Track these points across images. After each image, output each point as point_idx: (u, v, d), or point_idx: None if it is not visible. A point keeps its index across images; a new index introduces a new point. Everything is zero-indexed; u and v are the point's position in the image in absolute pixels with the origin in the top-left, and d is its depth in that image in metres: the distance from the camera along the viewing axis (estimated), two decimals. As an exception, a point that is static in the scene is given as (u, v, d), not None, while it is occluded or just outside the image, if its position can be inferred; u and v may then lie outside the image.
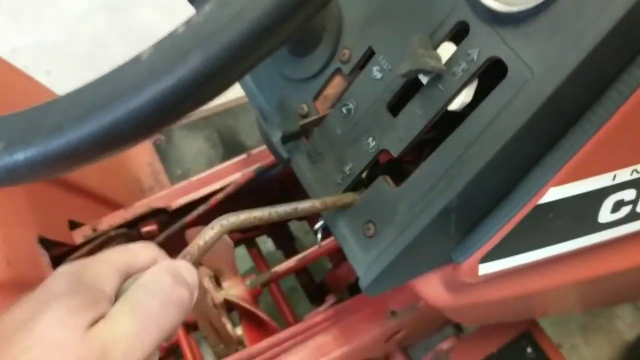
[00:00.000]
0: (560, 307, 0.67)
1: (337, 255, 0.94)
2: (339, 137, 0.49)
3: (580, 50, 0.35)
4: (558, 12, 0.36)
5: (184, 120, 1.14)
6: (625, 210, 0.44)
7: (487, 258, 0.44)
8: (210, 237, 0.37)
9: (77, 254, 0.78)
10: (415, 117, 0.43)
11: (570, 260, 0.47)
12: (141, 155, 1.10)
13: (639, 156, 0.41)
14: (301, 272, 0.95)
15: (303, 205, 0.44)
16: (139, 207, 0.83)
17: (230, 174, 0.85)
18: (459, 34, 0.41)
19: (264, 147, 0.93)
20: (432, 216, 0.42)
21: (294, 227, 1.04)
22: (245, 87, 0.58)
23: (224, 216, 0.39)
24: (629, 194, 0.43)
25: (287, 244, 1.01)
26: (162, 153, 1.09)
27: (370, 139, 0.46)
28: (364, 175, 0.48)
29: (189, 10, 0.38)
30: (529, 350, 0.89)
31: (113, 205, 0.93)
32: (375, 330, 0.74)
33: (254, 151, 0.87)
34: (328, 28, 0.49)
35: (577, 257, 0.47)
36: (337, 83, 0.50)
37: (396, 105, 0.45)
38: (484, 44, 0.39)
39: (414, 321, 0.76)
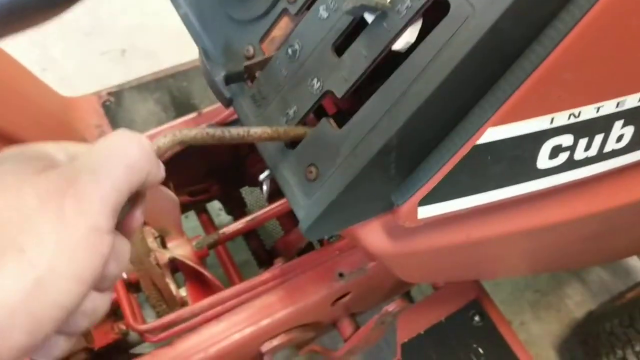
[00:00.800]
0: (505, 266, 0.68)
1: (288, 220, 0.94)
2: (284, 79, 0.48)
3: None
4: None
5: (135, 82, 1.11)
6: (563, 157, 0.45)
7: (426, 200, 0.44)
8: (163, 144, 0.36)
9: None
10: (360, 57, 0.43)
11: (509, 208, 0.47)
12: (88, 116, 1.07)
13: (576, 100, 0.42)
14: (252, 237, 0.94)
15: (255, 130, 0.42)
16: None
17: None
18: (404, -28, 0.41)
19: (215, 106, 0.92)
20: (372, 155, 0.41)
21: (245, 192, 1.03)
22: (189, 27, 0.56)
23: (177, 130, 0.38)
24: (567, 140, 0.44)
25: (238, 210, 0.99)
26: (111, 115, 1.06)
27: (315, 80, 0.46)
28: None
29: None
30: (476, 318, 0.91)
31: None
32: (322, 292, 0.74)
33: (205, 110, 0.86)
34: (275, -34, 0.48)
35: (517, 205, 0.47)
36: (284, 24, 0.49)
37: (342, 46, 0.45)
38: (428, -20, 0.39)
39: (361, 284, 0.76)
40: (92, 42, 1.61)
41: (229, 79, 0.48)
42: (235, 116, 0.85)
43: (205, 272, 0.73)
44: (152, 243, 0.75)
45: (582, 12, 0.37)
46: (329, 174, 0.44)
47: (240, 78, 0.49)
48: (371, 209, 0.47)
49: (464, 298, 0.92)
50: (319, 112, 0.48)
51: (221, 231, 0.80)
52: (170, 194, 0.75)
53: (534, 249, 0.59)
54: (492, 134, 0.41)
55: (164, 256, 0.74)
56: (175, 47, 1.62)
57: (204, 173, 0.96)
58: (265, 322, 0.72)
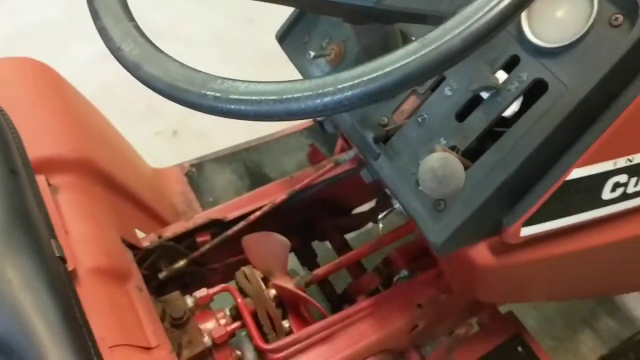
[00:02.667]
0: (576, 283, 0.82)
1: (356, 268, 1.09)
2: (414, 139, 0.66)
3: (599, 72, 0.55)
4: (584, 47, 0.56)
5: (213, 155, 1.28)
6: (620, 191, 0.63)
7: (528, 222, 0.61)
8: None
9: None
10: (478, 121, 0.62)
11: (584, 230, 0.65)
12: (175, 185, 1.23)
13: (631, 150, 0.61)
14: (324, 283, 1.09)
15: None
16: (199, 218, 0.96)
17: (273, 193, 1.00)
18: (509, 64, 0.61)
19: (302, 171, 1.10)
20: (491, 191, 0.59)
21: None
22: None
23: None
24: (624, 178, 0.62)
25: (311, 261, 1.15)
26: (194, 183, 1.23)
27: (442, 139, 0.64)
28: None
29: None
30: (519, 349, 1.06)
31: (163, 222, 1.05)
32: (403, 320, 0.89)
33: (296, 174, 1.03)
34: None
35: (589, 227, 0.65)
36: (412, 101, 0.68)
37: (461, 115, 0.64)
38: (531, 69, 0.59)
39: (435, 313, 0.91)
40: (146, 123, 1.80)
41: (376, 140, 0.66)
42: (320, 179, 1.02)
43: (311, 299, 0.87)
44: (259, 282, 0.90)
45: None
46: (456, 205, 0.62)
47: (384, 139, 0.67)
48: (484, 230, 0.64)
49: (507, 332, 1.07)
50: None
51: (314, 272, 0.95)
52: (282, 238, 0.91)
53: (599, 267, 0.76)
54: (575, 173, 0.59)
55: (271, 292, 0.89)
56: (224, 128, 1.82)
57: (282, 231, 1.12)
58: (359, 345, 0.86)
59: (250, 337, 0.88)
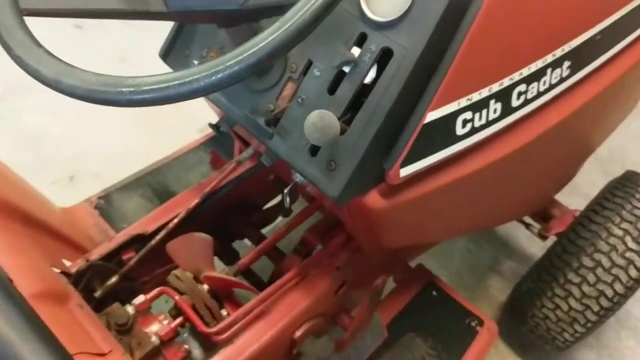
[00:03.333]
0: (463, 217, 0.97)
1: (276, 254, 1.20)
2: (298, 117, 0.78)
3: (427, 32, 0.69)
4: (413, 16, 0.70)
5: (118, 185, 1.33)
6: (469, 126, 0.78)
7: (404, 163, 0.75)
8: None
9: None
10: (346, 91, 0.74)
11: (451, 164, 0.80)
12: (87, 219, 1.27)
13: (468, 90, 0.76)
14: (249, 274, 1.18)
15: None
16: (120, 236, 1.02)
17: (186, 201, 1.08)
18: (360, 41, 0.74)
19: (208, 177, 1.18)
20: (369, 142, 0.72)
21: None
22: (219, 104, 0.85)
23: None
24: (469, 115, 0.77)
25: (234, 260, 1.23)
26: (105, 214, 1.27)
27: (321, 111, 0.76)
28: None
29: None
30: (434, 293, 1.21)
31: (84, 252, 1.10)
32: (327, 283, 1.00)
33: (203, 180, 1.12)
34: (279, 53, 0.79)
35: (455, 160, 0.80)
36: (289, 87, 0.80)
37: (331, 90, 0.76)
38: (377, 41, 0.72)
39: (353, 273, 1.03)
40: (39, 174, 1.80)
41: (267, 123, 0.77)
42: (225, 181, 1.12)
43: (241, 282, 0.96)
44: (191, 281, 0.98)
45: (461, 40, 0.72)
46: (343, 162, 0.74)
47: (271, 123, 0.78)
48: (371, 178, 0.77)
49: (421, 282, 1.22)
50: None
51: (239, 262, 1.04)
52: (203, 235, 0.99)
53: (473, 197, 0.91)
54: (430, 116, 0.74)
55: (204, 287, 0.97)
56: (119, 165, 1.86)
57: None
58: (293, 313, 0.96)
59: (193, 331, 0.96)
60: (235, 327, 0.91)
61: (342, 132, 0.75)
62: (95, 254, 1.00)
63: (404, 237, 0.94)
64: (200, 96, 0.51)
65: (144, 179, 1.33)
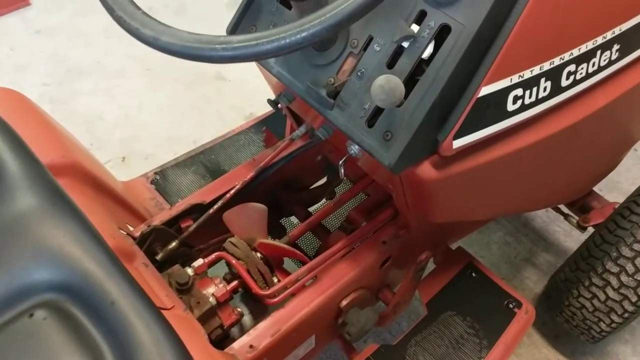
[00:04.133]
0: (515, 194, 0.99)
1: (322, 230, 1.25)
2: (358, 90, 0.83)
3: (484, 9, 0.73)
4: (471, -6, 0.74)
5: (173, 162, 1.40)
6: (519, 102, 0.82)
7: (457, 135, 0.79)
8: None
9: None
10: (405, 65, 0.79)
11: (504, 138, 0.83)
12: (144, 192, 1.34)
13: (521, 67, 0.80)
14: (298, 248, 1.23)
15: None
16: (180, 205, 1.09)
17: (241, 175, 1.14)
18: (419, 18, 0.79)
19: (261, 153, 1.24)
20: (425, 113, 0.76)
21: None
22: (282, 78, 0.90)
23: None
24: (520, 91, 0.81)
25: (282, 235, 1.29)
26: (161, 188, 1.34)
27: (379, 84, 0.81)
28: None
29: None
30: (473, 274, 1.24)
31: (144, 221, 1.17)
32: (373, 255, 1.04)
33: (257, 156, 1.18)
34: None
35: (508, 134, 0.83)
36: (350, 61, 0.85)
37: (390, 64, 0.81)
38: (436, 18, 0.77)
39: (398, 248, 1.07)
40: (96, 155, 1.89)
41: (329, 95, 0.83)
42: (278, 157, 1.17)
43: (294, 250, 1.01)
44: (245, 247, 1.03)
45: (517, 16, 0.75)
46: (399, 132, 0.79)
47: (332, 95, 0.83)
48: (425, 149, 0.81)
49: (460, 263, 1.25)
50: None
51: (289, 234, 1.10)
52: (259, 205, 1.05)
53: (524, 175, 0.94)
54: (484, 90, 0.78)
55: (257, 254, 1.03)
56: (167, 147, 1.94)
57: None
58: (340, 282, 1.01)
59: (245, 295, 1.02)
60: (287, 291, 0.96)
61: (399, 104, 0.79)
62: (156, 220, 1.06)
63: (450, 211, 0.98)
64: (285, 53, 0.56)
65: (198, 157, 1.40)
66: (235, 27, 0.95)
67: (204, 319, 0.92)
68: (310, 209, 1.37)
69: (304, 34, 0.52)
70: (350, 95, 0.84)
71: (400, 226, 1.07)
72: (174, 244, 1.04)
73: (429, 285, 1.22)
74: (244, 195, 1.13)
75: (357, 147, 0.87)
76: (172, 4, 2.41)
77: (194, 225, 1.06)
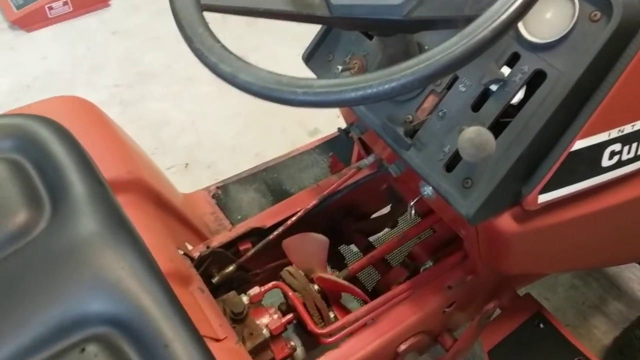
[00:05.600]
0: (593, 251, 0.92)
1: (382, 265, 1.20)
2: (438, 130, 0.78)
3: (587, 59, 0.67)
4: (572, 40, 0.68)
5: (235, 177, 1.38)
6: (616, 158, 0.75)
7: (543, 190, 0.72)
8: None
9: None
10: (492, 109, 0.73)
11: (592, 194, 0.76)
12: (204, 206, 1.33)
13: (622, 121, 0.73)
14: (355, 281, 1.19)
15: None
16: (240, 227, 1.06)
17: (303, 201, 1.11)
18: (512, 60, 0.73)
19: (326, 179, 1.21)
20: (511, 164, 0.71)
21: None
22: (357, 110, 0.86)
23: None
24: (618, 147, 0.74)
25: (339, 263, 1.25)
26: (222, 204, 1.33)
27: (462, 128, 0.76)
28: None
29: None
30: (541, 325, 1.16)
31: (203, 238, 1.15)
32: (437, 300, 0.99)
33: (321, 182, 1.14)
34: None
35: (596, 192, 0.76)
36: (431, 99, 0.80)
37: (476, 106, 0.75)
38: (531, 62, 0.71)
39: (463, 293, 1.01)
40: (160, 160, 1.91)
41: (406, 133, 0.78)
42: (345, 183, 1.13)
43: (354, 287, 0.97)
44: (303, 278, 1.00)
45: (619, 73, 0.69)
46: (481, 182, 0.73)
47: (412, 133, 0.79)
48: (507, 201, 0.75)
49: (528, 311, 1.17)
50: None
51: (349, 267, 1.05)
52: (321, 237, 1.01)
53: (608, 231, 0.87)
54: (578, 144, 0.71)
55: (314, 287, 0.99)
56: (230, 160, 1.93)
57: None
58: (400, 326, 0.95)
59: (298, 328, 0.98)
60: (343, 332, 0.92)
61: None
62: (215, 241, 1.04)
63: (527, 264, 0.91)
64: (371, 102, 0.52)
65: (260, 174, 1.38)
66: (311, 54, 0.92)
67: (255, 352, 0.89)
68: (371, 238, 1.33)
69: (392, 84, 0.48)
70: (429, 136, 0.79)
71: (467, 271, 1.01)
72: (231, 267, 1.02)
73: (491, 331, 1.14)
74: (305, 222, 1.09)
75: (431, 189, 0.82)
76: (245, 12, 2.42)
77: (253, 250, 1.03)
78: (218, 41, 0.58)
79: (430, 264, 1.11)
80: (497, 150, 0.72)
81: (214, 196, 1.34)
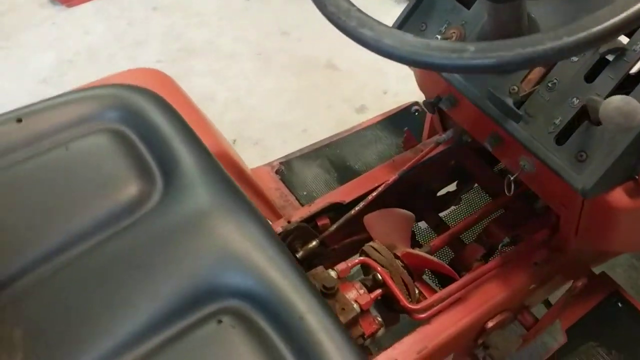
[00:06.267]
0: None
1: (457, 242, 1.18)
2: (547, 102, 0.75)
3: None
4: None
5: (298, 153, 1.37)
6: None
7: (662, 164, 0.70)
8: None
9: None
10: (608, 80, 0.71)
11: None
12: (269, 182, 1.32)
13: None
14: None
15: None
16: (319, 202, 1.05)
17: (381, 176, 1.09)
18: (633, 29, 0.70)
19: (402, 155, 1.19)
20: (632, 137, 0.68)
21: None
22: (454, 80, 0.83)
23: None
24: None
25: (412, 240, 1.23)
26: (285, 179, 1.32)
27: (575, 99, 0.73)
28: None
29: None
30: (619, 304, 1.14)
31: (275, 213, 1.14)
32: (524, 278, 0.97)
33: (397, 157, 1.12)
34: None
35: None
36: (537, 71, 0.77)
37: (589, 77, 0.73)
38: (655, 31, 0.68)
39: (548, 272, 1.00)
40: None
41: (515, 104, 0.76)
42: (424, 158, 1.11)
43: (443, 263, 0.96)
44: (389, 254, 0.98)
45: None
46: (596, 156, 0.71)
47: (520, 104, 0.76)
48: (623, 176, 0.73)
49: (605, 291, 1.16)
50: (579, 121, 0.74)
51: (431, 243, 1.04)
52: (406, 213, 1.00)
53: None
54: None
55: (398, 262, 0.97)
56: (276, 134, 1.92)
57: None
58: (489, 303, 0.94)
59: (382, 304, 0.97)
60: (436, 307, 0.91)
61: (598, 123, 0.72)
62: (296, 216, 1.03)
63: (630, 241, 0.90)
64: (537, 65, 0.50)
65: (323, 150, 1.36)
66: (404, 22, 0.89)
67: (347, 327, 0.88)
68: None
69: (564, 44, 0.45)
70: (537, 108, 0.76)
71: (554, 248, 0.99)
72: (314, 242, 1.01)
73: (569, 311, 1.13)
74: (384, 195, 1.08)
75: (531, 162, 0.80)
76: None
77: (335, 225, 1.02)
78: (353, 5, 0.56)
79: (508, 240, 1.09)
80: (616, 123, 0.70)
81: (277, 172, 1.33)
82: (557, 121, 0.75)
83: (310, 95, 2.07)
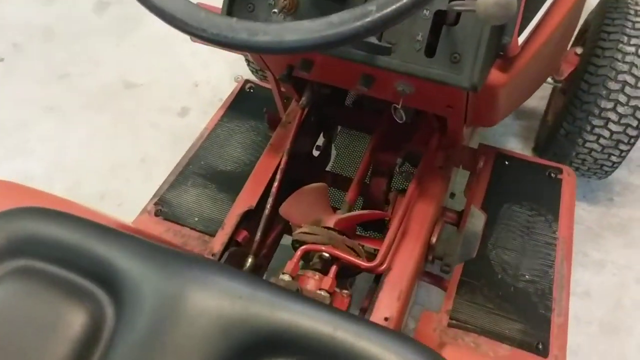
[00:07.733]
0: (544, 72, 1.02)
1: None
2: (402, 25, 0.77)
3: None
4: None
5: (165, 186, 1.27)
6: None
7: (520, 30, 0.76)
8: None
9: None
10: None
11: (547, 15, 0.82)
12: (157, 227, 1.22)
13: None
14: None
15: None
16: (230, 219, 1.00)
17: (271, 162, 1.06)
18: None
19: (277, 132, 1.15)
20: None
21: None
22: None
23: None
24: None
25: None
26: (170, 217, 1.23)
27: (426, 11, 0.76)
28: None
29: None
30: (507, 162, 1.26)
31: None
32: (440, 184, 1.03)
33: (273, 140, 1.10)
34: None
35: (549, 12, 0.82)
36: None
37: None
38: None
39: (451, 166, 1.06)
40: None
41: (378, 40, 0.76)
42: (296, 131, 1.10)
43: (375, 211, 0.97)
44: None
45: None
46: (468, 50, 0.75)
47: (379, 39, 0.77)
48: (493, 57, 0.78)
49: (490, 159, 1.26)
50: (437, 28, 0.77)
51: (347, 199, 1.05)
52: (318, 185, 0.99)
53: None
54: (530, -24, 0.75)
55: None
56: (115, 176, 1.77)
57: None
58: (427, 223, 0.98)
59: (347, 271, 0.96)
60: (390, 253, 0.93)
61: (455, 22, 0.75)
62: (216, 246, 0.97)
63: (507, 110, 0.98)
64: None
65: (187, 170, 1.29)
66: (230, 9, 0.84)
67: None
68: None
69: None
70: (395, 34, 0.78)
71: (447, 146, 1.06)
72: (249, 260, 0.96)
73: (474, 191, 1.22)
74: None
75: (409, 84, 0.83)
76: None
77: (259, 234, 0.98)
78: (232, 17, 0.51)
79: (400, 160, 1.14)
80: (470, 20, 0.74)
81: (156, 214, 1.24)
82: (419, 37, 0.77)
83: (126, 122, 1.93)
